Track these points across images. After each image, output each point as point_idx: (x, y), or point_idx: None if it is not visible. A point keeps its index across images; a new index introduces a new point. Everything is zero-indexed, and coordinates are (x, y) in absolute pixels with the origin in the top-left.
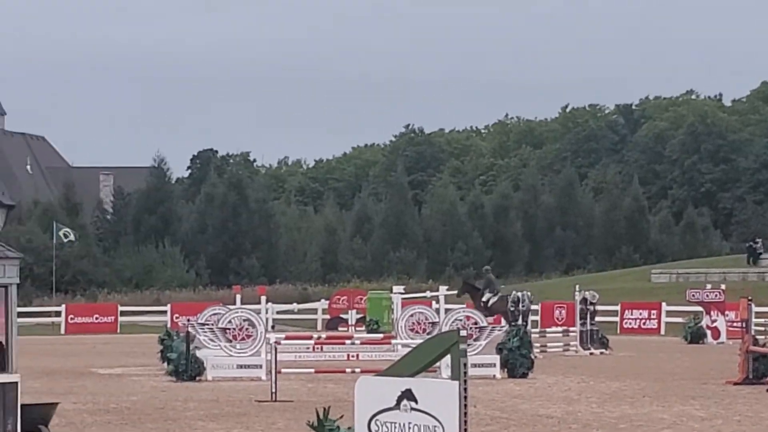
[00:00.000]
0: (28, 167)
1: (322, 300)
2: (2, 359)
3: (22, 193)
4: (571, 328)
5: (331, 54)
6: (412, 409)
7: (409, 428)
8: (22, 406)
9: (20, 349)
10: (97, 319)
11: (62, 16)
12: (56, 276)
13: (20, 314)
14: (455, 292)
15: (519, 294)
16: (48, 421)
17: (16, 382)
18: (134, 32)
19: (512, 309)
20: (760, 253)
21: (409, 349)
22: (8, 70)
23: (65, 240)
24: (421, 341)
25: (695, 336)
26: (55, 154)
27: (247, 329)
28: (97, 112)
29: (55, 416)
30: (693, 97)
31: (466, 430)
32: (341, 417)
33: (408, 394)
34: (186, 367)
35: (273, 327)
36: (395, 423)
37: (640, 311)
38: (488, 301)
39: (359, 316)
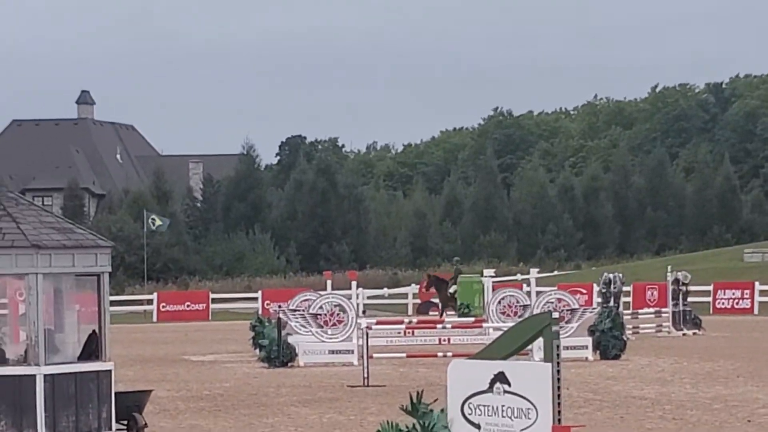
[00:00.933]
0: (118, 156)
1: (413, 284)
2: (96, 347)
3: (113, 182)
4: (664, 309)
5: (419, 39)
6: (506, 392)
7: (503, 411)
8: (116, 393)
9: (113, 338)
10: (188, 306)
11: (148, 7)
12: (147, 264)
13: (112, 303)
14: (546, 274)
15: (610, 275)
16: (142, 409)
17: (110, 370)
18: (220, 23)
19: (604, 290)
20: None
21: (501, 332)
22: (96, 60)
23: (154, 227)
24: (512, 324)
25: None
26: (145, 142)
27: (338, 315)
28: (186, 100)
29: (148, 403)
30: None
31: (559, 412)
32: (435, 401)
33: (501, 377)
34: (278, 354)
35: (364, 312)
36: (489, 406)
37: (733, 291)
38: (455, 292)
39: None
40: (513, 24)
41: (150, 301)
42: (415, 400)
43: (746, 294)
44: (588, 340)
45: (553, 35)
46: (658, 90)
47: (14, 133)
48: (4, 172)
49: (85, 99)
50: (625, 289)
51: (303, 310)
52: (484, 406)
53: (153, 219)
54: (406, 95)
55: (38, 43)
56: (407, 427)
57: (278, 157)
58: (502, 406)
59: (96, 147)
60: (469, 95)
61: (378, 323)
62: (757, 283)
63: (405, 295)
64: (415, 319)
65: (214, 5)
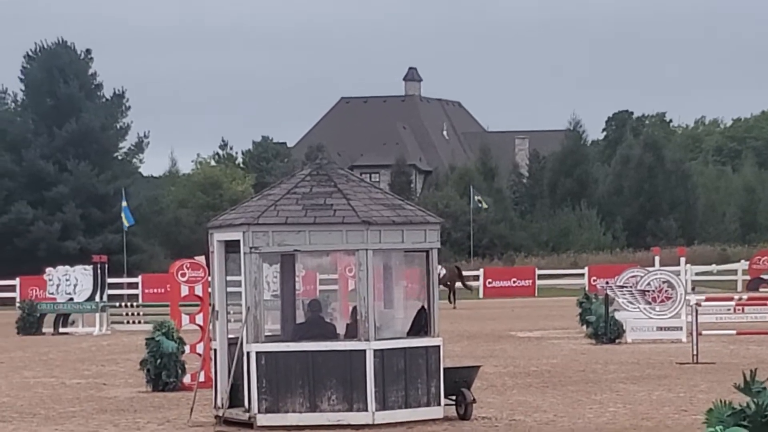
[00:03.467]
0: (445, 133)
1: (742, 261)
2: (425, 323)
3: (439, 159)
4: None
5: (749, 10)
6: None
7: None
8: (444, 369)
9: (441, 314)
10: (514, 282)
11: None
12: (473, 240)
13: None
14: None
15: None
16: (470, 384)
17: (439, 346)
18: None
19: None
20: None
21: None
22: (424, 37)
23: (480, 207)
24: None
25: None
26: (471, 119)
27: (666, 291)
28: (512, 75)
29: (476, 379)
30: None
31: None
32: None
33: None
34: (605, 330)
35: (693, 289)
36: None
37: None
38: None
39: None
40: None
41: (476, 277)
42: (748, 378)
43: None
44: None
45: None
46: None
47: (343, 111)
48: (333, 149)
49: (412, 76)
50: None
51: (631, 287)
52: None
53: (479, 201)
54: (736, 68)
55: (366, 20)
56: (741, 406)
57: (605, 133)
58: None
59: (423, 123)
60: None
61: (707, 300)
62: None
63: (734, 272)
64: (745, 296)
65: None
